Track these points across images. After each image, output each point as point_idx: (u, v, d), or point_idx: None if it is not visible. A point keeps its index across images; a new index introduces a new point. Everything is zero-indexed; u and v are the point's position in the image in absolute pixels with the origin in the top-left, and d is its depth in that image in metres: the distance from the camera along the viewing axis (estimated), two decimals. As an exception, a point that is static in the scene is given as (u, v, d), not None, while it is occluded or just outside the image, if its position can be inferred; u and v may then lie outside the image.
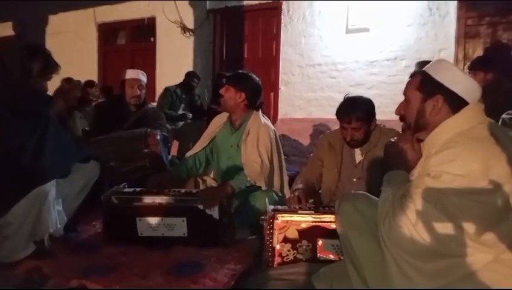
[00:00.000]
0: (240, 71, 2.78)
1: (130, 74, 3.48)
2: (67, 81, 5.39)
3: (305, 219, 1.90)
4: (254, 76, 2.67)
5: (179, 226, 2.18)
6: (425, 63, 1.84)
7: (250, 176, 2.40)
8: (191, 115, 5.27)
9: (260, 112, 2.69)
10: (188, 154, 2.77)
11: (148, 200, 2.18)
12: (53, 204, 2.05)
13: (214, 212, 2.14)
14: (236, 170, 2.51)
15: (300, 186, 2.32)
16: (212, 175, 2.81)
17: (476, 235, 1.22)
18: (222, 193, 2.24)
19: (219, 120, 2.78)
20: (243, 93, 2.58)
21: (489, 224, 1.23)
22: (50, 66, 2.13)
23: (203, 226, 2.16)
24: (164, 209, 2.17)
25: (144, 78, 3.49)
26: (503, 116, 2.88)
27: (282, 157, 2.76)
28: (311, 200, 2.22)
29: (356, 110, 2.24)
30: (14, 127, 1.96)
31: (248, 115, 2.63)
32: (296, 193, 2.19)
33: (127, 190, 2.32)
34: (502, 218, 1.23)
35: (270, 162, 2.54)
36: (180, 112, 5.27)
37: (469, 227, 1.22)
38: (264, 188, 2.45)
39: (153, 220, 2.18)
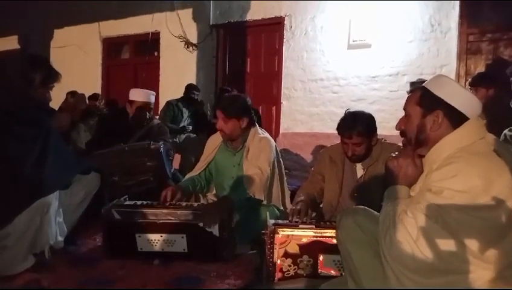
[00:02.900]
0: (228, 97, 2.67)
1: (140, 96, 3.43)
2: (72, 94, 5.44)
3: (306, 234, 1.88)
4: (239, 94, 2.68)
5: (179, 243, 2.16)
6: (419, 82, 1.84)
7: (248, 189, 2.39)
8: (190, 128, 5.29)
9: (257, 127, 2.69)
10: (190, 174, 2.75)
11: (148, 216, 2.17)
12: (54, 216, 2.05)
13: (214, 229, 2.13)
14: (240, 188, 2.50)
15: (302, 198, 2.30)
16: (214, 191, 2.79)
17: (478, 251, 1.21)
18: (221, 210, 2.23)
19: (214, 141, 2.74)
20: (245, 117, 2.56)
21: (491, 240, 1.22)
22: (51, 75, 2.13)
23: (203, 243, 2.15)
24: (164, 226, 2.16)
25: (153, 98, 3.49)
26: (506, 131, 2.87)
27: (283, 170, 2.75)
28: (313, 214, 2.20)
29: (357, 125, 2.23)
30: (16, 136, 1.96)
31: (246, 134, 2.62)
32: (298, 206, 2.18)
33: (127, 203, 2.32)
34: (504, 234, 1.22)
35: (271, 174, 2.53)
36: (182, 124, 5.30)
37: (471, 243, 1.21)
38: (264, 201, 2.44)
39: (153, 237, 2.17)
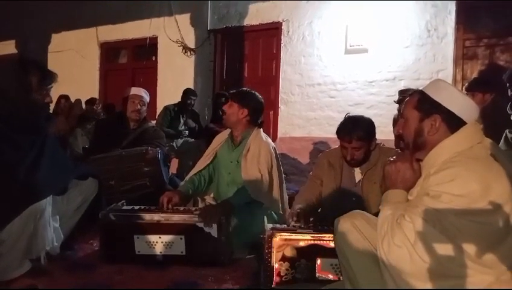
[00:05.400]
0: (244, 89, 2.87)
1: (133, 90, 3.54)
2: (65, 98, 5.42)
3: (304, 237, 1.88)
4: (257, 94, 2.74)
5: (177, 244, 2.16)
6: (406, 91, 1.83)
7: (250, 192, 2.40)
8: (187, 132, 5.29)
9: (261, 130, 2.72)
10: (192, 172, 2.76)
11: (146, 217, 2.17)
12: (49, 221, 2.03)
13: (213, 230, 2.13)
14: (236, 186, 2.52)
15: (300, 206, 2.30)
16: (212, 195, 2.79)
17: (476, 255, 1.21)
18: (221, 211, 2.23)
19: (220, 138, 2.81)
20: (246, 109, 2.63)
21: (489, 245, 1.22)
22: (47, 76, 2.11)
23: (201, 245, 2.14)
24: (162, 226, 2.15)
25: (145, 96, 3.52)
26: (507, 131, 2.87)
27: (282, 174, 2.76)
28: (310, 219, 2.20)
29: (357, 129, 2.24)
30: (13, 143, 1.95)
31: (249, 132, 2.66)
32: (297, 210, 2.17)
33: (125, 207, 2.31)
34: (502, 238, 1.22)
35: (270, 178, 2.54)
36: (179, 129, 5.30)
37: (469, 248, 1.21)
38: (265, 204, 2.44)
39: (151, 238, 2.16)
